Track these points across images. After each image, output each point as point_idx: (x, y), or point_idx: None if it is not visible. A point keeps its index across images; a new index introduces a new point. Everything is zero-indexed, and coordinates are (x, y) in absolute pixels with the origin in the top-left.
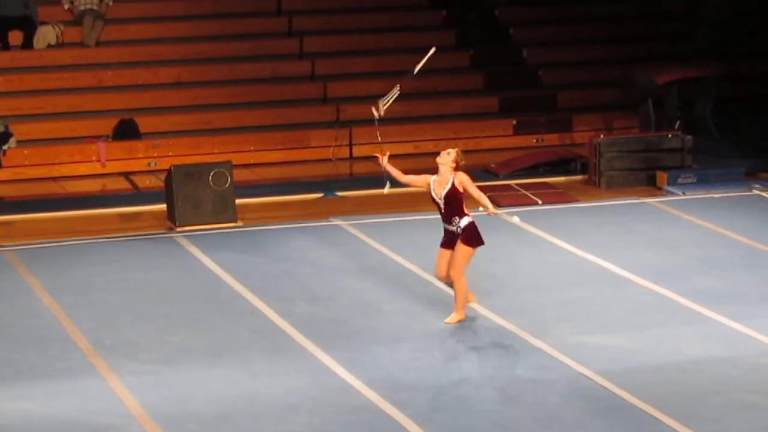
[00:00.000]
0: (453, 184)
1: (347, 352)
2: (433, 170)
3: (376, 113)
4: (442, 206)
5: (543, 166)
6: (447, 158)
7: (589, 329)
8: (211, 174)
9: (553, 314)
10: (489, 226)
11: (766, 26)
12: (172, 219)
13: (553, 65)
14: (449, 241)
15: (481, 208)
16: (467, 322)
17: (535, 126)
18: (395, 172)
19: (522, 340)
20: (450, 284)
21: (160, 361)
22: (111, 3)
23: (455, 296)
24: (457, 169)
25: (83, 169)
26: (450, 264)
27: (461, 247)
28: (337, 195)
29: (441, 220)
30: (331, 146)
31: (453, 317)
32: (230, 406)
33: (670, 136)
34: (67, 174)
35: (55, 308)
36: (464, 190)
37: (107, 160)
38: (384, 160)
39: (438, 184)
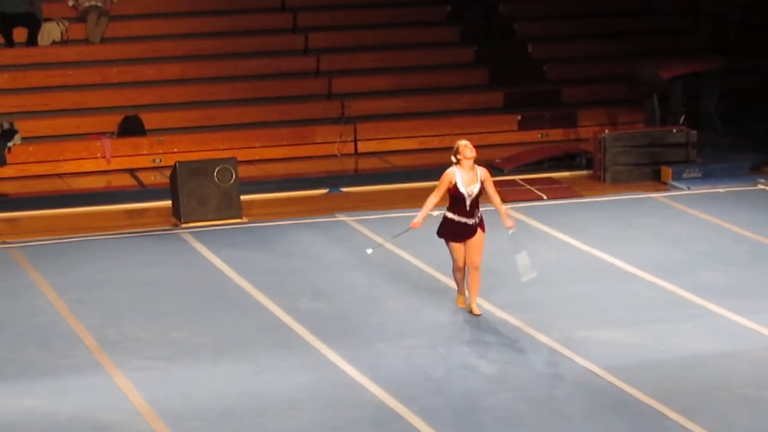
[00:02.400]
0: (480, 179)
1: (352, 348)
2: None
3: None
4: (469, 201)
5: (548, 161)
6: (474, 153)
7: (594, 324)
8: (216, 170)
9: (558, 309)
10: (495, 221)
11: None
12: (177, 215)
13: (557, 60)
14: (464, 234)
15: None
16: (473, 318)
17: (540, 121)
18: (425, 210)
19: (527, 335)
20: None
21: (165, 358)
22: (115, 0)
23: (477, 285)
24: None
25: (88, 165)
26: (474, 253)
27: (482, 235)
28: (342, 191)
29: (456, 215)
30: (336, 142)
31: (476, 307)
32: (235, 402)
33: (675, 131)
34: (72, 171)
35: (59, 305)
36: (483, 184)
37: (112, 157)
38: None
39: (467, 180)
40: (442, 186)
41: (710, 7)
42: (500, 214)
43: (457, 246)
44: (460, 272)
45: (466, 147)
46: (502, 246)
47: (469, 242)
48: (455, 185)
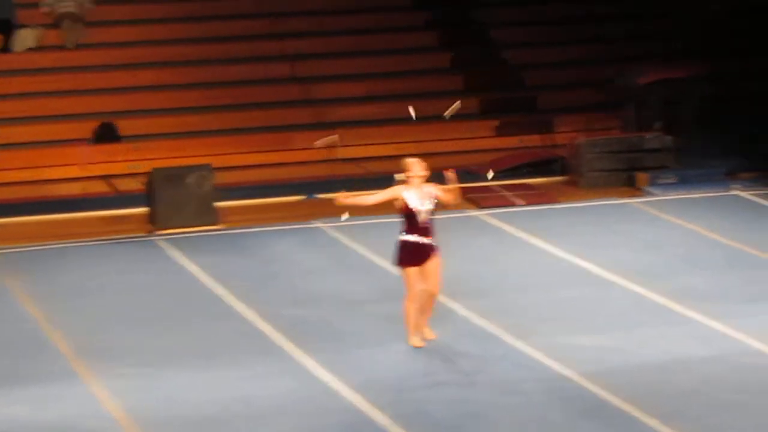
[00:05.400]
0: (436, 196)
1: (331, 354)
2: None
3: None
4: (422, 218)
5: (524, 167)
6: (425, 171)
7: (573, 330)
8: (192, 177)
9: (536, 315)
10: (471, 227)
11: (748, 26)
12: (153, 222)
13: (534, 66)
14: (423, 255)
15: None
16: (450, 325)
17: (517, 127)
18: (359, 200)
19: (506, 341)
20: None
21: (145, 365)
22: (90, 6)
23: (431, 311)
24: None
25: (64, 172)
26: (434, 277)
27: (439, 259)
28: (318, 197)
29: (413, 235)
30: (315, 148)
31: (430, 330)
32: (215, 410)
33: (651, 136)
34: (48, 177)
35: (37, 313)
36: (437, 198)
37: (88, 164)
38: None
39: (421, 197)
40: (385, 193)
41: (688, 13)
42: (447, 190)
43: (415, 272)
44: (416, 302)
45: (415, 164)
46: (481, 253)
47: (428, 266)
48: (406, 203)
